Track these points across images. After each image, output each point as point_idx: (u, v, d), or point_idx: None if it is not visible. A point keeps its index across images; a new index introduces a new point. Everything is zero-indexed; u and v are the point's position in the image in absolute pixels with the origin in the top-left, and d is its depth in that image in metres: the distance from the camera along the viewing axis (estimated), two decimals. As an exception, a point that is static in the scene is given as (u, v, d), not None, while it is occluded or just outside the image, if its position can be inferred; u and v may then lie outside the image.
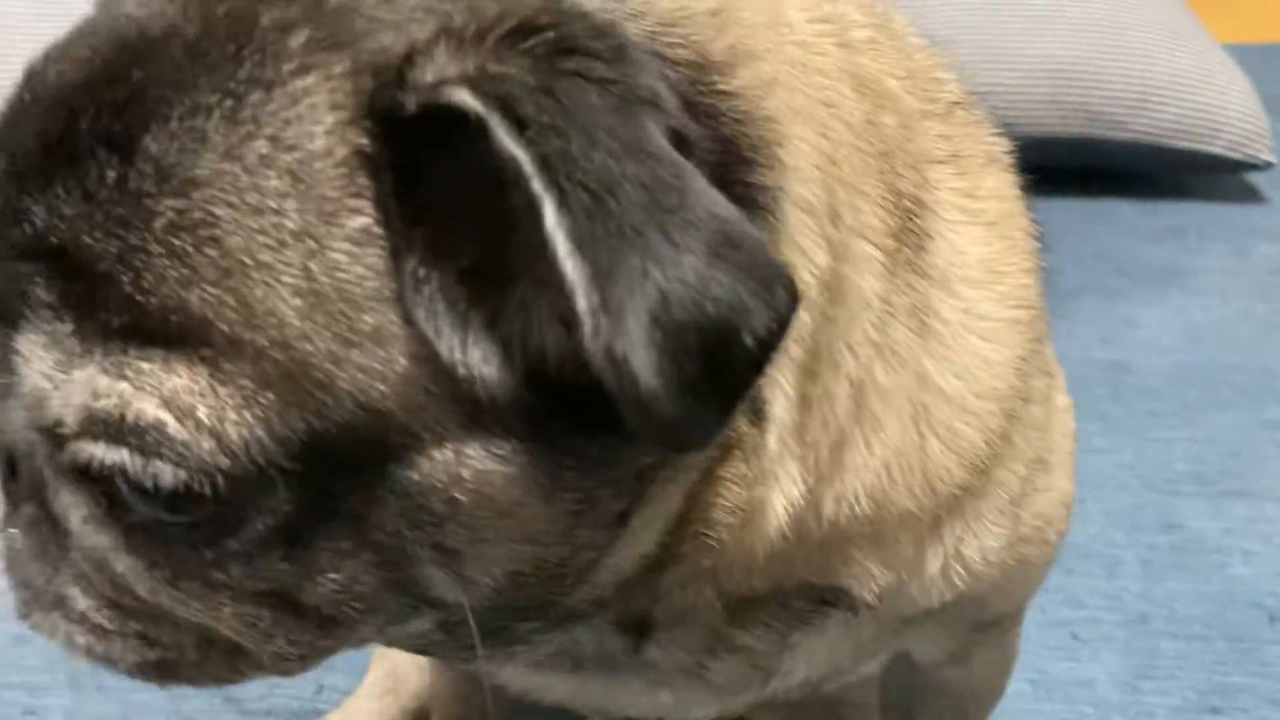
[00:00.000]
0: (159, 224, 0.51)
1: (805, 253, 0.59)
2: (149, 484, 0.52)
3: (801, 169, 0.58)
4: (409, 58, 0.52)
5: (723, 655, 0.74)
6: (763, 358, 0.51)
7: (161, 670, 0.64)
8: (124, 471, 0.53)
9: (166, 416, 0.51)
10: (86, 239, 0.51)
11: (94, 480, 0.56)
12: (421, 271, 0.52)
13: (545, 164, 0.48)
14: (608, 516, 0.59)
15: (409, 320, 0.52)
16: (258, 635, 0.61)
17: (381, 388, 0.52)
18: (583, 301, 0.48)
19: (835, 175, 0.60)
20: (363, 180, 0.52)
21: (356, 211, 0.51)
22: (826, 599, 0.71)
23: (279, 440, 0.51)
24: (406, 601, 0.60)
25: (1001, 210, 0.71)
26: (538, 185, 0.48)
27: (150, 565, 0.58)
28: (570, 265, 0.48)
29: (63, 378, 0.52)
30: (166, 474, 0.52)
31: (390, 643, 0.68)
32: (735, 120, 0.56)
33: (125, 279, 0.50)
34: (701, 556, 0.63)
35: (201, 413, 0.51)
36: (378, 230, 0.51)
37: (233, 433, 0.51)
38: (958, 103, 0.73)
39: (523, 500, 0.56)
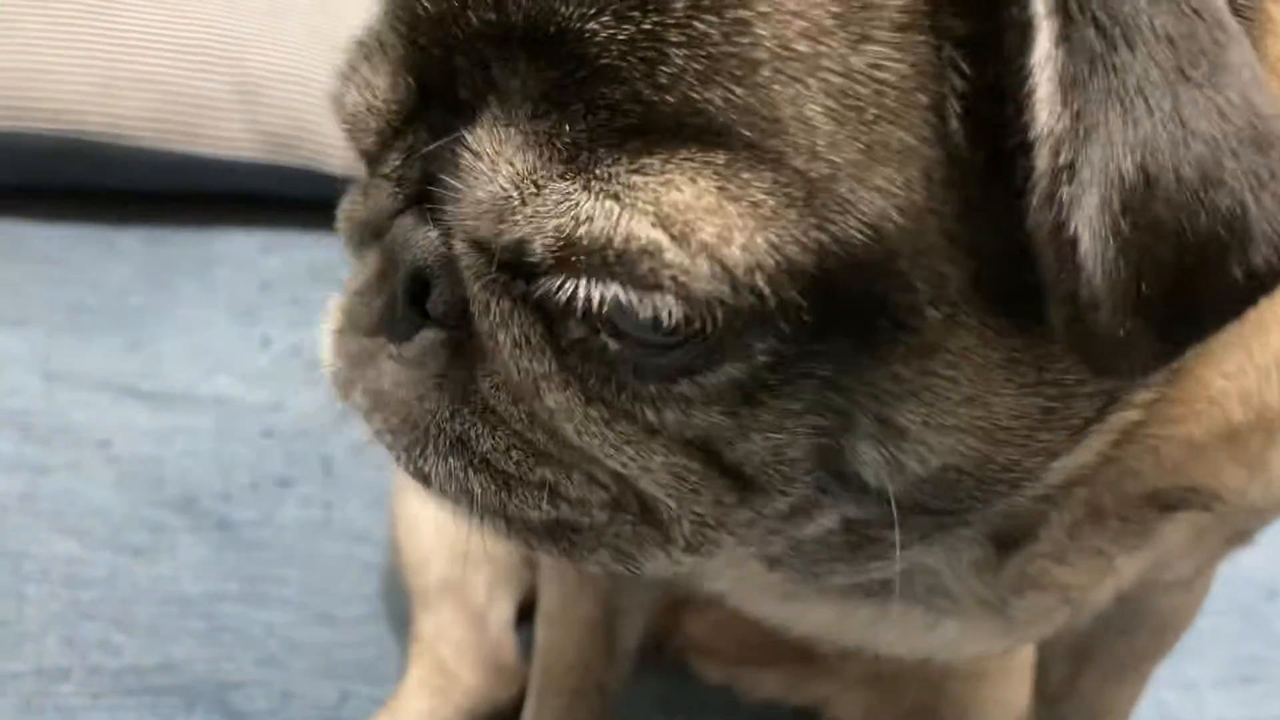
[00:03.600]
0: (680, 3, 0.42)
1: None
2: (646, 320, 0.44)
3: None
4: None
5: (1029, 591, 0.67)
6: (1246, 299, 0.43)
7: (557, 533, 0.55)
8: (620, 308, 0.44)
9: (662, 237, 0.42)
10: (593, 23, 0.42)
11: (526, 299, 0.47)
12: (960, 78, 0.43)
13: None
14: (1077, 422, 0.52)
15: (942, 138, 0.43)
16: (684, 491, 0.52)
17: (898, 219, 0.43)
18: (1045, 159, 0.40)
19: None
20: None
21: None
22: (1171, 502, 0.64)
23: (790, 270, 0.43)
24: (825, 477, 0.52)
25: None
26: (1040, 4, 0.40)
27: (587, 400, 0.49)
28: (1046, 113, 0.40)
29: (532, 189, 0.44)
30: (667, 308, 0.44)
31: (768, 547, 0.59)
32: None
33: (637, 72, 0.42)
34: (1140, 460, 0.57)
35: (707, 233, 0.42)
36: (922, 11, 0.42)
37: (739, 258, 0.43)
38: None
39: (1000, 389, 0.49)
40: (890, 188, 0.43)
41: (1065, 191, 0.40)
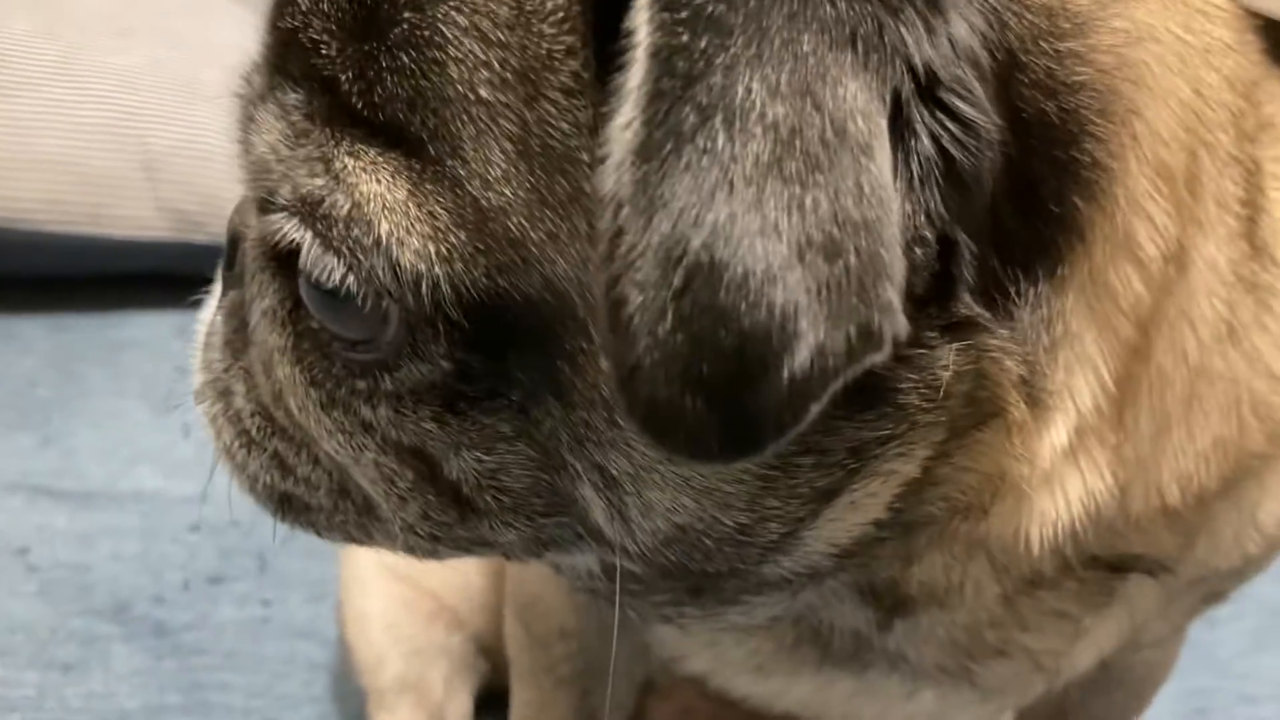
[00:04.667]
0: (393, 34, 0.47)
1: (1152, 220, 0.52)
2: (318, 275, 0.49)
3: (1163, 131, 0.52)
4: None
5: (992, 659, 0.67)
6: (794, 403, 0.42)
7: (290, 506, 0.61)
8: (300, 252, 0.49)
9: (357, 216, 0.47)
10: (331, 38, 0.48)
11: (283, 275, 0.54)
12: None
13: (659, 73, 0.42)
14: (807, 491, 0.52)
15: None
16: (394, 495, 0.55)
17: (566, 266, 0.46)
18: (606, 221, 0.42)
19: (1200, 137, 0.54)
20: (575, 9, 0.46)
21: (570, 53, 0.46)
22: (1118, 565, 0.64)
23: (454, 286, 0.47)
24: (563, 522, 0.54)
25: None
26: (634, 77, 0.42)
27: (309, 381, 0.54)
28: (612, 179, 0.41)
29: (287, 152, 0.49)
30: (335, 272, 0.48)
31: (559, 572, 0.61)
32: (1073, 90, 0.49)
33: (357, 86, 0.47)
34: (959, 521, 0.56)
35: (383, 228, 0.47)
36: (586, 78, 0.46)
37: (408, 258, 0.47)
38: (1265, 50, 0.62)
39: None
40: (558, 234, 0.46)
41: (619, 256, 0.41)
